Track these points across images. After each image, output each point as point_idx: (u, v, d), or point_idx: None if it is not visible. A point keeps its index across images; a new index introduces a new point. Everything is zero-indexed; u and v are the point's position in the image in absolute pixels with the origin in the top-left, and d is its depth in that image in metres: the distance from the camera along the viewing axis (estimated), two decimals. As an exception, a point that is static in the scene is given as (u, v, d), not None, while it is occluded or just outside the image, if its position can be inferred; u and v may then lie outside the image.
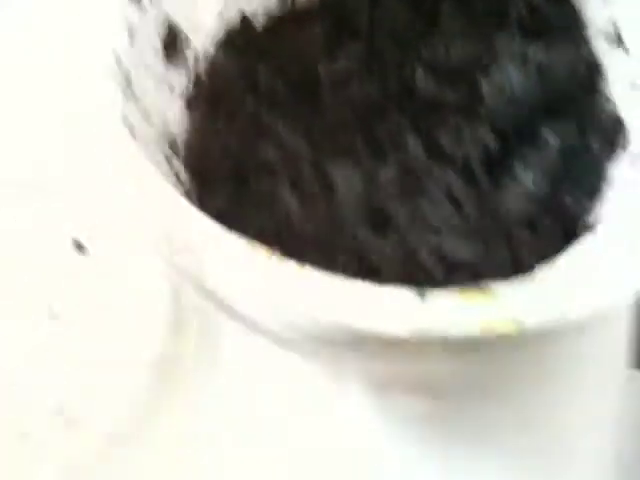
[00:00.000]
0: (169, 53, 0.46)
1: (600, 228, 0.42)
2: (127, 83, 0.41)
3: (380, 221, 0.47)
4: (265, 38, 0.53)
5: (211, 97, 0.51)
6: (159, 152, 0.45)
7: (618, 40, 0.46)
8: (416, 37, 0.49)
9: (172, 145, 0.47)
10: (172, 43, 0.46)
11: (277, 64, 0.51)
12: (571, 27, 0.47)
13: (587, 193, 0.46)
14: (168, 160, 0.46)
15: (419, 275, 0.44)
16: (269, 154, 0.49)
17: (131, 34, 0.43)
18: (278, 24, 0.54)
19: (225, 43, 0.51)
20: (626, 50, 0.45)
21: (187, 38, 0.48)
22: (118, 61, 0.41)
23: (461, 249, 0.45)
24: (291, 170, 0.48)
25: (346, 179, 0.47)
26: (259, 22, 0.53)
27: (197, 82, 0.50)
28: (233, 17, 0.52)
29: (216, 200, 0.49)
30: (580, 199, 0.46)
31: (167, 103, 0.46)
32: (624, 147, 0.45)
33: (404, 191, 0.47)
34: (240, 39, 0.52)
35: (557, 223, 0.46)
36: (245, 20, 0.52)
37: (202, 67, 0.50)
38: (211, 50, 0.51)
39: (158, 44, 0.45)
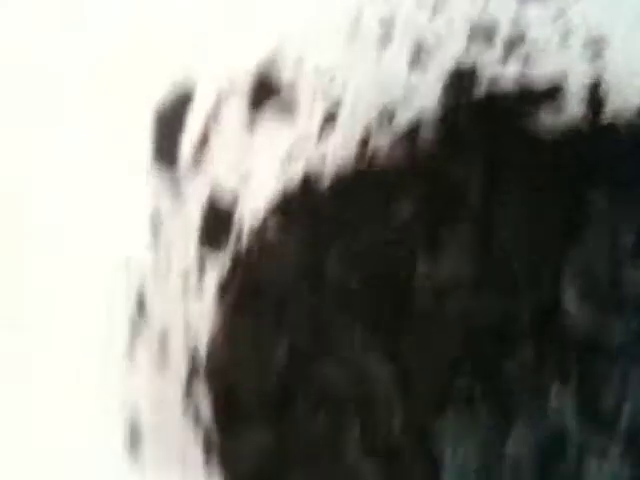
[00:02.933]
0: (207, 241, 0.30)
1: None
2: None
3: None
4: (332, 206, 0.38)
5: (250, 285, 0.35)
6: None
7: None
8: (560, 237, 0.34)
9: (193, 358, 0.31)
10: (214, 228, 0.30)
11: (350, 250, 0.35)
12: None
13: None
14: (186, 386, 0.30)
15: None
16: (331, 376, 0.33)
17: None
18: (347, 187, 0.38)
19: (279, 211, 0.36)
20: None
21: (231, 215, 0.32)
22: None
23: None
24: (363, 414, 0.32)
25: (454, 451, 0.31)
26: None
27: (234, 265, 0.34)
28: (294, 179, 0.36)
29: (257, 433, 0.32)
30: None
31: (195, 309, 0.30)
32: None
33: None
34: (299, 204, 0.36)
35: None
36: (308, 180, 0.37)
37: (244, 245, 0.34)
38: (259, 223, 0.35)
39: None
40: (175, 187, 0.26)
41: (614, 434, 0.31)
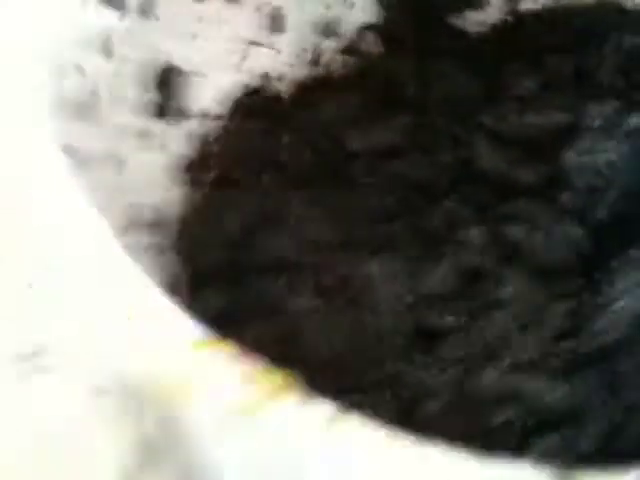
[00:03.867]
0: (164, 102, 0.35)
1: None
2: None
3: (428, 343, 0.35)
4: (291, 105, 0.43)
5: (218, 170, 0.40)
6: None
7: None
8: (478, 104, 0.38)
9: (163, 228, 0.37)
10: (168, 88, 0.35)
11: (303, 136, 0.40)
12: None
13: None
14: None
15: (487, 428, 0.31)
16: (284, 245, 0.38)
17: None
18: (307, 90, 0.43)
19: (242, 105, 0.41)
20: None
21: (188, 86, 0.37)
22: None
23: (546, 392, 0.33)
24: (312, 268, 0.37)
25: (386, 283, 0.35)
26: (285, 87, 0.43)
27: (201, 149, 0.39)
28: (253, 76, 0.41)
29: (213, 298, 0.37)
30: None
31: (159, 171, 0.36)
32: None
33: (462, 302, 0.35)
34: (261, 103, 0.42)
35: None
36: (267, 81, 0.42)
37: (209, 131, 0.40)
38: (222, 111, 0.40)
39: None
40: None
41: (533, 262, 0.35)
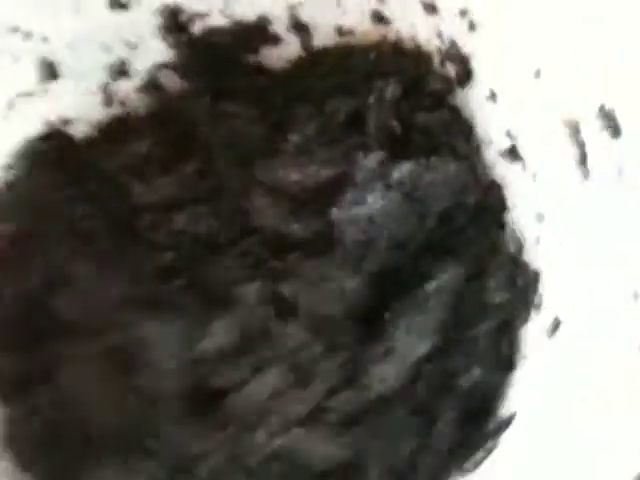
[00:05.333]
0: None
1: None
2: None
3: (204, 404, 0.34)
4: (85, 147, 0.41)
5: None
6: None
7: (516, 155, 0.34)
8: (258, 152, 0.37)
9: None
10: None
11: (89, 187, 0.39)
12: (456, 140, 0.36)
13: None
14: None
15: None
16: (65, 304, 0.36)
17: None
18: (101, 131, 0.42)
19: (26, 154, 0.39)
20: (530, 172, 0.34)
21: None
22: None
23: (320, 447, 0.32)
24: (92, 329, 0.36)
25: (163, 344, 0.34)
26: (78, 130, 0.41)
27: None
28: (32, 124, 0.39)
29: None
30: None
31: None
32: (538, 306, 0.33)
33: (239, 360, 0.34)
34: (49, 150, 0.40)
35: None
36: (53, 128, 0.40)
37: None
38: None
39: None
40: None
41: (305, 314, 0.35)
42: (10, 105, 0.37)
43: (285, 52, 0.42)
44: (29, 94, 0.37)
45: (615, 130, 0.27)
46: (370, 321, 0.35)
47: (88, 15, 0.37)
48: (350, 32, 0.39)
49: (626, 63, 0.26)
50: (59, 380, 0.35)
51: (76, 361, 0.35)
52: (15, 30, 0.35)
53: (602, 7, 0.27)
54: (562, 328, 0.30)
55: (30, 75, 0.37)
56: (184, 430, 0.33)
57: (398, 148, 0.35)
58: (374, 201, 0.33)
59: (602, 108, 0.27)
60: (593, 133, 0.28)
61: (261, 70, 0.42)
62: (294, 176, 0.35)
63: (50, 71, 0.37)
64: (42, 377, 0.36)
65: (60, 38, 0.37)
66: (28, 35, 0.35)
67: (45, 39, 0.36)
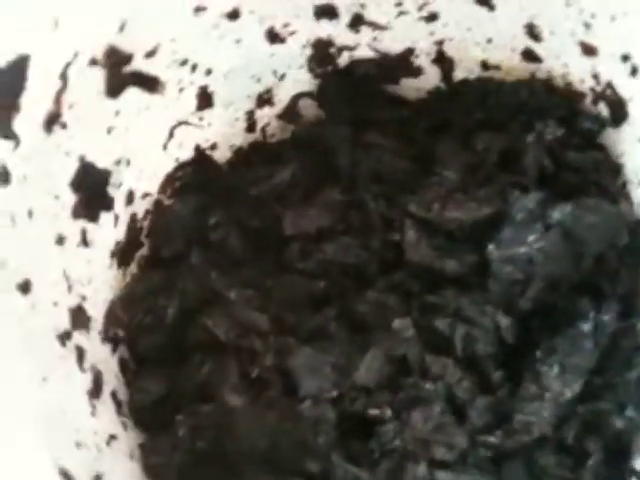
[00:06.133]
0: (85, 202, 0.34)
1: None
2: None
3: (357, 430, 0.35)
4: (227, 172, 0.42)
5: (148, 250, 0.40)
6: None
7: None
8: (406, 184, 0.38)
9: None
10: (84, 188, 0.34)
11: (236, 212, 0.40)
12: (605, 180, 0.36)
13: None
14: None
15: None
16: (216, 329, 0.37)
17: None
18: (242, 156, 0.43)
19: (173, 180, 0.40)
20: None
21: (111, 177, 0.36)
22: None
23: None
24: (242, 355, 0.37)
25: (312, 374, 0.35)
26: (222, 155, 0.42)
27: (130, 231, 0.38)
28: (185, 150, 0.40)
29: (152, 384, 0.37)
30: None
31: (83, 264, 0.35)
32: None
33: (391, 394, 0.35)
34: (194, 176, 0.41)
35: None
36: (200, 153, 0.41)
37: (139, 211, 0.39)
38: (152, 190, 0.39)
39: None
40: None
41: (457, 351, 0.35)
42: (171, 134, 0.38)
43: (424, 83, 0.42)
44: (186, 122, 0.38)
45: None
46: (520, 359, 0.35)
47: (246, 47, 0.38)
48: (495, 67, 0.40)
49: None
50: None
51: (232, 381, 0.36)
52: (184, 63, 0.36)
53: None
54: None
55: (191, 104, 0.38)
56: (343, 454, 0.34)
57: (551, 187, 0.35)
58: (534, 241, 0.34)
59: None
60: None
61: (400, 100, 0.42)
62: (454, 212, 0.35)
63: (208, 100, 0.38)
64: (194, 398, 0.36)
65: (219, 69, 0.38)
66: (195, 67, 0.36)
67: (209, 71, 0.37)
